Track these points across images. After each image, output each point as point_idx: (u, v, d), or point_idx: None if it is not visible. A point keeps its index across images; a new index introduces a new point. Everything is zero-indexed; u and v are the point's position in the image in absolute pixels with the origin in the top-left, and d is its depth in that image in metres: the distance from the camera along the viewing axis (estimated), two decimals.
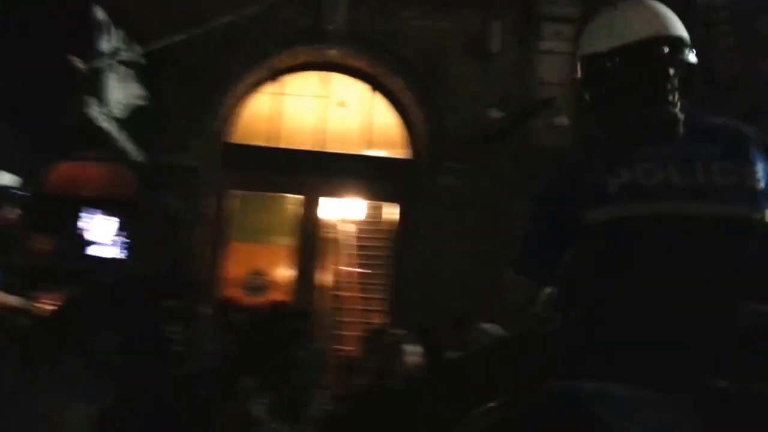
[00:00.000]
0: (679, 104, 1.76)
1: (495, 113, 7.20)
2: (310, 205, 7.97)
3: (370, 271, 8.41)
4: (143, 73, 6.84)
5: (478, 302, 6.98)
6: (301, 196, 8.07)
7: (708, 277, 1.61)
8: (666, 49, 1.80)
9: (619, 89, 1.83)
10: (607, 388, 1.46)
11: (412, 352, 4.87)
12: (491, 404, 1.63)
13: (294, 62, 7.93)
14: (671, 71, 1.78)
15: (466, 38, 7.63)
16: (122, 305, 3.59)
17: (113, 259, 8.35)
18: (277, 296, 7.44)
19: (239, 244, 8.17)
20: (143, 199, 7.41)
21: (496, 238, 7.39)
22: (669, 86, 1.77)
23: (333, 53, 7.76)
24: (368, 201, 8.39)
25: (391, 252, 8.11)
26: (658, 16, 1.84)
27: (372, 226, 9.67)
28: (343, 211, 8.34)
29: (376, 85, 8.05)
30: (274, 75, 7.96)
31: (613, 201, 1.67)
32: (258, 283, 7.88)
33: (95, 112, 5.88)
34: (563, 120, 6.91)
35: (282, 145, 8.02)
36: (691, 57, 1.84)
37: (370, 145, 8.15)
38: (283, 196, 8.37)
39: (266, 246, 8.63)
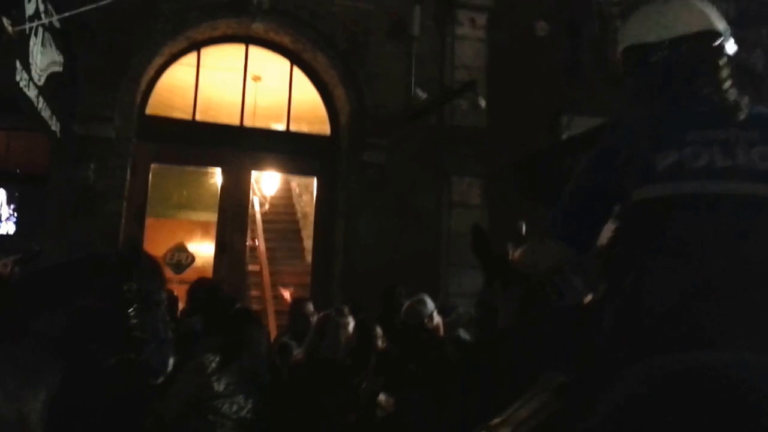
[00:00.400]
0: (728, 93, 1.92)
1: (420, 93, 7.47)
2: (231, 180, 7.94)
3: (291, 245, 8.51)
4: (60, 40, 6.55)
5: (399, 276, 7.33)
6: (221, 170, 8.02)
7: (750, 252, 1.73)
8: (716, 41, 1.97)
9: (668, 77, 1.97)
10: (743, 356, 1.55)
11: (347, 325, 5.04)
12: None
13: (215, 34, 7.83)
14: (720, 62, 1.96)
15: (388, 20, 7.84)
16: (58, 286, 3.40)
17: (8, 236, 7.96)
18: (198, 273, 7.40)
19: (159, 219, 8.01)
20: (56, 171, 7.13)
21: (415, 213, 7.74)
22: (719, 76, 1.94)
23: (255, 27, 7.72)
24: (288, 176, 8.45)
25: (312, 227, 8.24)
26: (705, 11, 2.02)
27: (291, 201, 9.75)
28: (264, 186, 8.36)
29: (298, 62, 8.11)
30: (195, 46, 7.82)
31: (661, 180, 1.80)
32: (180, 259, 7.79)
33: (20, 77, 5.60)
34: (482, 102, 7.29)
35: (201, 119, 7.92)
36: (732, 48, 2.02)
37: (291, 120, 8.20)
38: (204, 170, 8.27)
39: (187, 221, 8.50)
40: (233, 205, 7.79)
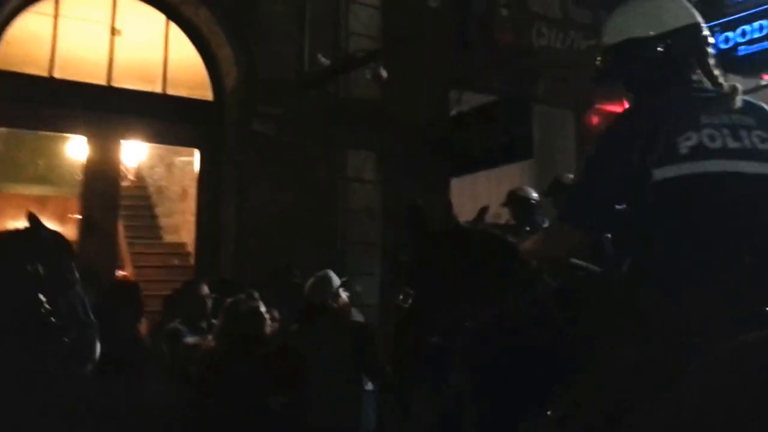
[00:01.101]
0: (720, 80, 2.18)
1: (323, 59, 6.92)
2: (95, 148, 6.89)
3: (168, 221, 7.63)
4: None
5: (293, 255, 6.82)
6: (83, 137, 6.94)
7: (760, 223, 1.98)
8: (702, 33, 2.22)
9: (665, 67, 2.20)
10: None
11: (267, 315, 4.66)
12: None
13: None
14: (709, 51, 2.21)
15: None
16: None
17: None
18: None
19: (7, 193, 6.77)
20: None
21: (309, 188, 7.23)
22: (709, 65, 2.19)
23: None
24: (163, 145, 7.53)
25: (195, 202, 7.42)
26: (690, 6, 2.28)
27: (168, 173, 8.77)
28: (135, 156, 7.38)
29: (175, 16, 7.20)
30: None
31: (685, 160, 2.01)
32: None
33: None
34: (384, 72, 6.90)
35: (59, 76, 6.77)
36: (712, 39, 2.29)
37: (165, 82, 7.27)
38: (62, 137, 7.11)
39: (43, 196, 7.28)
40: (101, 178, 6.77)
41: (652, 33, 2.22)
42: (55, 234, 3.14)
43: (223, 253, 7.06)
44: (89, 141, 6.84)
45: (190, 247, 9.39)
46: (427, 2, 8.18)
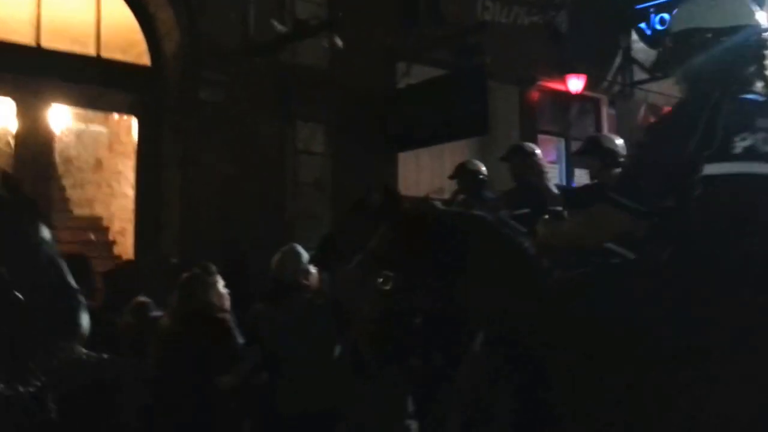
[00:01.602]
0: None
1: (278, 26, 6.60)
2: (24, 114, 6.36)
3: (78, 194, 7.15)
4: None
5: (240, 230, 6.54)
6: (11, 101, 6.38)
7: None
8: (763, 35, 2.27)
9: (723, 63, 2.24)
10: None
11: (216, 283, 4.42)
12: None
13: None
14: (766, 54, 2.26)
15: None
16: None
17: None
18: None
19: None
20: None
21: (257, 160, 6.94)
22: (765, 68, 2.25)
23: None
24: (98, 112, 7.04)
25: (134, 173, 6.98)
26: (756, 8, 2.34)
27: (78, 142, 8.23)
28: (67, 123, 6.87)
29: None
30: None
31: (738, 159, 2.09)
32: None
33: None
34: (339, 41, 6.65)
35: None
36: None
37: (98, 44, 6.76)
38: None
39: None
40: (34, 145, 6.26)
41: (714, 26, 2.26)
42: (13, 191, 2.72)
43: (165, 227, 6.68)
44: (18, 106, 6.29)
45: (107, 222, 8.92)
46: None
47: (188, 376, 3.99)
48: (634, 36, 10.50)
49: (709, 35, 2.27)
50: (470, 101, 7.09)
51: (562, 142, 9.97)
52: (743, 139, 2.09)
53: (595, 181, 4.73)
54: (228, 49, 6.75)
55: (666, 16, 10.00)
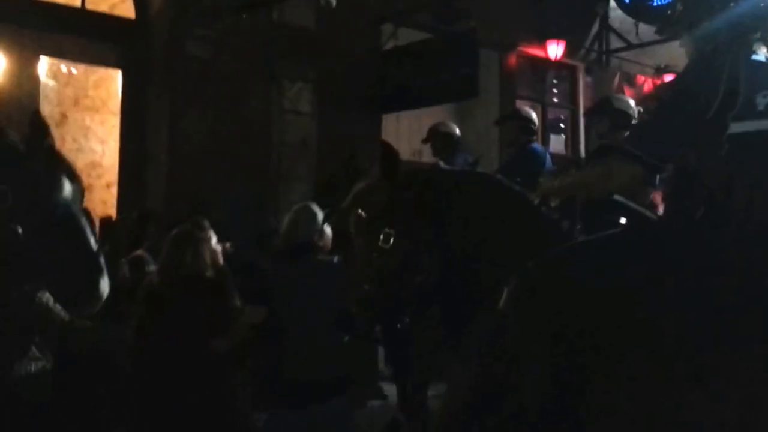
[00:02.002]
0: None
1: None
2: (15, 66, 6.19)
3: (71, 148, 7.07)
4: None
5: (224, 185, 6.55)
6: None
7: None
8: None
9: (740, 26, 2.29)
10: None
11: (210, 239, 4.28)
12: None
13: None
14: None
15: None
16: None
17: None
18: None
19: None
20: None
21: (244, 119, 6.93)
22: None
23: None
24: (80, 64, 6.92)
25: (118, 129, 6.91)
26: None
27: (69, 96, 8.07)
28: (49, 74, 6.75)
29: None
30: None
31: (762, 117, 2.11)
32: None
33: None
34: (333, 1, 6.63)
35: None
36: None
37: None
38: None
39: None
40: (20, 98, 6.15)
41: None
42: (34, 142, 2.39)
43: (150, 183, 6.66)
44: (6, 56, 6.16)
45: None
46: None
47: (177, 341, 3.76)
48: (612, 4, 10.61)
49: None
50: (460, 64, 7.15)
51: (539, 108, 10.13)
52: (765, 96, 2.13)
53: (603, 141, 4.83)
54: (216, 4, 6.68)
55: None
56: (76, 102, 8.71)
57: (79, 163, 8.88)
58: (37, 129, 2.60)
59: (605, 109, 4.86)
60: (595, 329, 2.01)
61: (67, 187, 2.41)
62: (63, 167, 2.55)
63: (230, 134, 6.73)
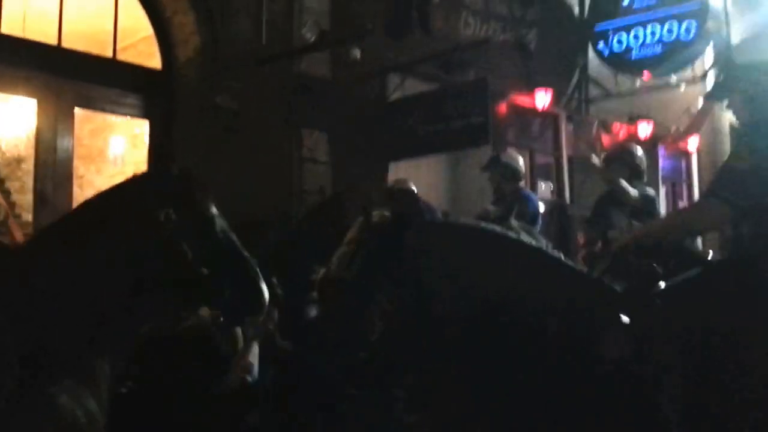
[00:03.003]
0: None
1: (307, 34, 6.84)
2: (49, 115, 6.35)
3: (26, 199, 7.14)
4: None
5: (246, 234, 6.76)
6: (33, 100, 6.38)
7: None
8: None
9: None
10: None
11: None
12: None
13: None
14: None
15: None
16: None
17: None
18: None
19: None
20: None
21: (265, 167, 7.17)
22: None
23: None
24: (116, 116, 7.11)
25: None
26: None
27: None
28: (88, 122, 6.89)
29: None
30: None
31: None
32: None
33: None
34: (357, 53, 7.00)
35: (8, 32, 6.20)
36: None
37: (115, 46, 6.84)
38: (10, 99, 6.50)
39: None
40: (55, 147, 6.29)
41: None
42: (186, 170, 2.71)
43: None
44: (40, 106, 6.30)
45: None
46: None
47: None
48: (591, 55, 11.26)
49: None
50: (472, 113, 7.55)
51: (527, 155, 10.59)
52: None
53: (611, 188, 5.34)
54: (242, 57, 6.96)
55: (624, 37, 10.82)
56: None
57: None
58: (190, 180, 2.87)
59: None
60: None
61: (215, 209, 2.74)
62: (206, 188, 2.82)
63: (252, 183, 6.95)
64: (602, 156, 6.09)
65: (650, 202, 5.31)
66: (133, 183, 2.70)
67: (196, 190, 2.68)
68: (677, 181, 13.42)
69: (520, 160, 6.33)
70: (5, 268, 2.56)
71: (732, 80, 3.08)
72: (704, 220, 2.89)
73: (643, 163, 5.67)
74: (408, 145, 8.05)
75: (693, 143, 12.74)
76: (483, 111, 7.48)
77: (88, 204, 2.69)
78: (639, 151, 5.63)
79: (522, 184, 6.45)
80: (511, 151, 6.73)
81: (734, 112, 3.08)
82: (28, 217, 7.62)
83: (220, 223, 2.71)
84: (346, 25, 7.74)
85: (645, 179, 5.71)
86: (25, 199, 8.41)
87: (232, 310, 2.70)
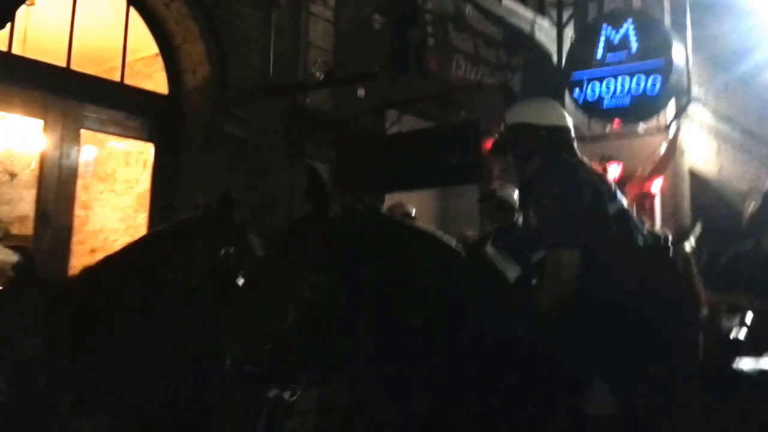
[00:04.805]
0: None
1: (317, 72, 6.96)
2: (56, 136, 6.26)
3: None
4: None
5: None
6: (40, 121, 6.28)
7: None
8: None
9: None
10: None
11: None
12: None
13: None
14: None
15: None
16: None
17: None
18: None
19: None
20: None
21: (268, 195, 7.20)
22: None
23: None
24: (122, 139, 7.03)
25: (149, 201, 6.99)
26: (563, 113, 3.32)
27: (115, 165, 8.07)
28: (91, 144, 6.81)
29: (139, 3, 6.80)
30: None
31: None
32: None
33: None
34: (362, 91, 7.14)
35: (19, 52, 6.14)
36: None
37: (123, 70, 6.82)
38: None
39: None
40: (58, 166, 6.20)
41: (543, 123, 3.11)
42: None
43: None
44: (47, 126, 6.22)
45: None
46: (372, 23, 8.51)
47: None
48: (568, 100, 11.68)
49: (543, 132, 3.05)
50: (464, 152, 7.75)
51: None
52: None
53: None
54: (249, 87, 7.02)
55: (596, 87, 11.29)
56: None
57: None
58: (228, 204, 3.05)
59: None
60: None
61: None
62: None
63: (257, 210, 6.95)
64: None
65: None
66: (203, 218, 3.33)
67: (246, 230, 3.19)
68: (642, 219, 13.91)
69: (515, 194, 6.49)
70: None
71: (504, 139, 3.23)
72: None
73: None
74: (404, 178, 8.19)
75: (657, 185, 13.24)
76: (476, 151, 7.70)
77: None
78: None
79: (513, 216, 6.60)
80: (507, 185, 6.90)
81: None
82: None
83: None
84: (348, 61, 7.90)
85: None
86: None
87: None
